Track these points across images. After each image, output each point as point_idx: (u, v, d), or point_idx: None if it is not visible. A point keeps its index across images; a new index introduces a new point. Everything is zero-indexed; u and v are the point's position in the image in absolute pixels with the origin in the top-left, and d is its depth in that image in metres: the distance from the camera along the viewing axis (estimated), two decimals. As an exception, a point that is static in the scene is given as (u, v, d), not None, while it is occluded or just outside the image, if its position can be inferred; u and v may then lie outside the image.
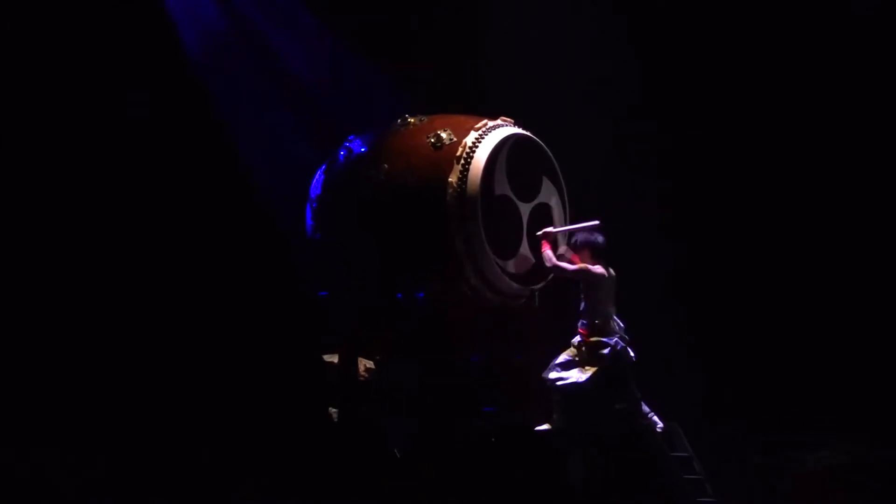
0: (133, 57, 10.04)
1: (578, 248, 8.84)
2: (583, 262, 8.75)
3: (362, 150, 9.42)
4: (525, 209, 9.21)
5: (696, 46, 10.38)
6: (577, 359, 8.70)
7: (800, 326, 10.26)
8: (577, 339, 8.79)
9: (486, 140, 8.97)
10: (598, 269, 8.67)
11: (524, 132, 9.24)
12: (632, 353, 8.67)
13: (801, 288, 10.28)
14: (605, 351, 8.59)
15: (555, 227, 8.99)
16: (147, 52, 10.10)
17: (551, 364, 8.73)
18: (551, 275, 9.07)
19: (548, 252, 8.74)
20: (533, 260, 9.13)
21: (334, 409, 9.28)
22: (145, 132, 10.13)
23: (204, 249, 10.26)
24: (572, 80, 10.47)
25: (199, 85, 10.39)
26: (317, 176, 9.71)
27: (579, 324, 8.77)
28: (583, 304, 8.74)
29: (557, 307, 9.16)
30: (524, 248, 9.17)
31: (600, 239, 8.79)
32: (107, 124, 10.05)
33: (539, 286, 9.27)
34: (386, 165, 9.13)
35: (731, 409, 10.08)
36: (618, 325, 8.75)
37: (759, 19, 10.34)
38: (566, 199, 9.45)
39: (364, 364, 9.36)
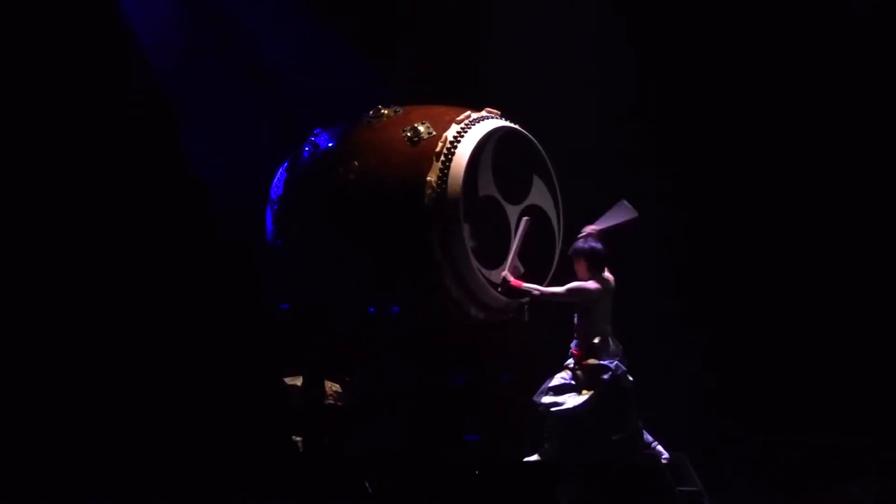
0: (62, 28, 9.51)
1: (575, 256, 8.41)
2: (579, 273, 8.36)
3: (330, 144, 8.96)
4: (513, 212, 8.75)
5: (698, 45, 10.22)
6: (572, 382, 8.30)
7: (810, 330, 10.12)
8: (571, 361, 8.40)
9: (469, 134, 8.48)
10: (592, 284, 8.24)
11: (512, 125, 8.76)
12: (630, 378, 8.30)
13: (813, 290, 10.13)
14: (605, 376, 8.22)
15: (596, 226, 8.52)
16: (79, 26, 9.54)
17: (543, 387, 8.31)
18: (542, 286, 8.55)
19: (526, 285, 8.40)
20: (522, 269, 8.67)
21: (298, 438, 8.88)
22: (74, 120, 9.53)
23: (147, 258, 9.70)
24: (571, 77, 10.30)
25: (137, 64, 9.81)
26: (278, 174, 9.23)
27: (573, 344, 8.37)
28: (577, 322, 8.35)
29: (550, 322, 8.77)
30: (512, 256, 8.67)
31: (599, 246, 8.36)
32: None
33: (528, 300, 8.75)
34: (356, 162, 8.66)
35: (746, 427, 9.90)
36: (615, 345, 8.36)
37: (760, 19, 10.16)
38: (560, 200, 8.96)
39: (331, 387, 8.98)
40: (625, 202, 8.44)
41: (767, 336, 10.14)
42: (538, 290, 8.34)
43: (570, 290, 8.23)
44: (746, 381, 10.01)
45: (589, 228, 8.45)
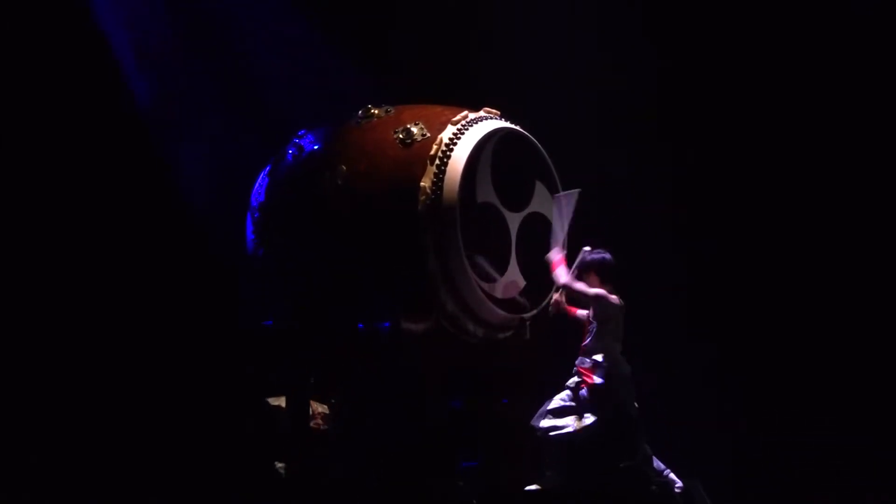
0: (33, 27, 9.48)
1: (582, 269, 8.20)
2: (589, 286, 8.18)
3: (315, 147, 8.83)
4: (514, 220, 8.61)
5: (701, 43, 10.27)
6: (572, 404, 8.09)
7: (833, 347, 10.05)
8: (573, 380, 8.16)
9: (466, 135, 8.34)
10: (614, 297, 8.09)
11: (513, 126, 8.61)
12: (636, 405, 8.14)
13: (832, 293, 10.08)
14: (611, 397, 8.03)
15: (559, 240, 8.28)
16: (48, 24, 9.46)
17: (542, 410, 8.14)
18: (546, 301, 8.46)
19: (562, 267, 8.17)
20: (523, 282, 8.53)
21: (281, 464, 8.75)
22: (40, 124, 9.47)
23: (116, 269, 9.58)
24: (575, 75, 10.26)
25: (109, 64, 9.70)
26: (259, 179, 9.09)
27: (579, 361, 8.12)
28: (589, 339, 8.11)
29: (553, 340, 8.64)
30: (513, 268, 8.56)
31: (608, 256, 8.19)
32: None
33: (531, 315, 8.61)
34: (344, 167, 8.52)
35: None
36: (625, 366, 8.16)
37: (764, 17, 10.22)
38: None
39: (317, 409, 8.84)
40: (560, 196, 8.33)
41: (787, 352, 10.11)
42: (567, 277, 8.15)
43: (596, 294, 8.04)
44: (763, 401, 9.98)
45: (557, 249, 8.28)
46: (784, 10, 10.07)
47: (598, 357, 8.05)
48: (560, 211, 8.31)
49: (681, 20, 10.22)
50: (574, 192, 8.25)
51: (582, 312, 8.18)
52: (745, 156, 10.29)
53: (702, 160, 10.24)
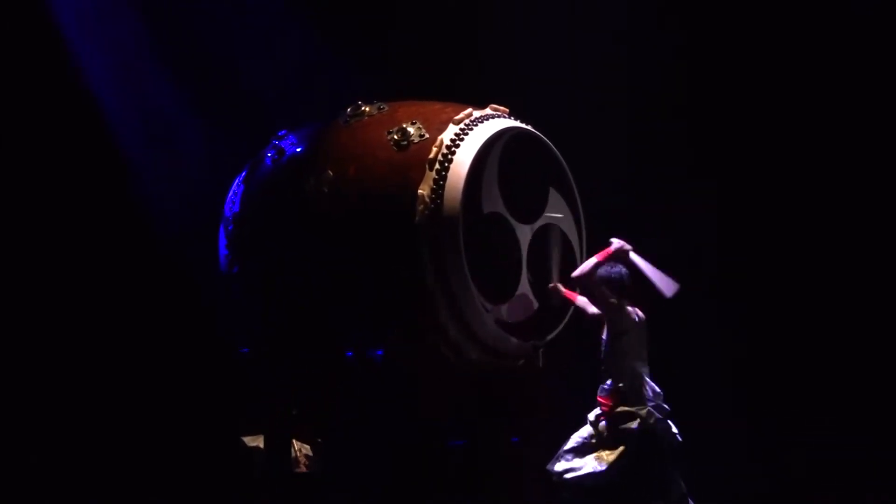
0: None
1: (596, 283, 8.02)
2: (601, 301, 7.99)
3: (297, 149, 8.60)
4: (525, 232, 8.33)
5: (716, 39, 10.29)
6: (593, 440, 7.80)
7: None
8: (595, 412, 7.86)
9: (470, 136, 8.05)
10: (628, 310, 7.87)
11: (524, 126, 8.33)
12: (675, 430, 7.80)
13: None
14: (634, 425, 7.70)
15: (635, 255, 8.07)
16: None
17: (559, 451, 7.84)
18: (562, 325, 8.30)
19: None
20: (536, 303, 8.24)
21: None
22: None
23: (69, 287, 9.33)
24: (584, 65, 10.20)
25: (61, 60, 9.40)
26: (234, 187, 8.86)
27: (599, 390, 7.85)
28: (605, 360, 7.88)
29: (570, 370, 8.55)
30: (524, 288, 8.27)
31: (622, 271, 7.92)
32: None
33: (546, 341, 8.31)
34: (330, 172, 8.24)
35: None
36: (653, 389, 7.86)
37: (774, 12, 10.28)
38: (582, 218, 8.52)
39: (300, 449, 8.60)
40: (675, 285, 8.17)
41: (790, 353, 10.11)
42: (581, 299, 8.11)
43: (609, 300, 7.89)
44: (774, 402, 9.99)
45: (628, 248, 8.09)
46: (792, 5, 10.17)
47: (617, 380, 7.79)
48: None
49: (694, 17, 10.27)
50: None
51: (583, 301, 8.10)
52: (752, 156, 10.28)
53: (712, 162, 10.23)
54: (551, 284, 8.25)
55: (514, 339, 8.13)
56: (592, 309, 8.03)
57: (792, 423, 9.94)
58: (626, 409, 7.75)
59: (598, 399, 7.83)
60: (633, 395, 7.80)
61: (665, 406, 7.84)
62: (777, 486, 9.58)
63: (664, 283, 8.06)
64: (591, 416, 7.85)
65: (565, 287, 8.22)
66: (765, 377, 10.14)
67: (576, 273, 8.01)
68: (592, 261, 7.97)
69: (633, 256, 8.12)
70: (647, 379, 7.83)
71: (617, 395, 7.77)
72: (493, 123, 8.18)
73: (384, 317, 8.13)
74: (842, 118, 10.14)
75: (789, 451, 9.81)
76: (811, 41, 10.12)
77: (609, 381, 7.82)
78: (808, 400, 10.00)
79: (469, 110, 8.20)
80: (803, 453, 9.77)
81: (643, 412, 7.72)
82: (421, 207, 7.88)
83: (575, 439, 7.84)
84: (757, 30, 10.19)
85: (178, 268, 9.57)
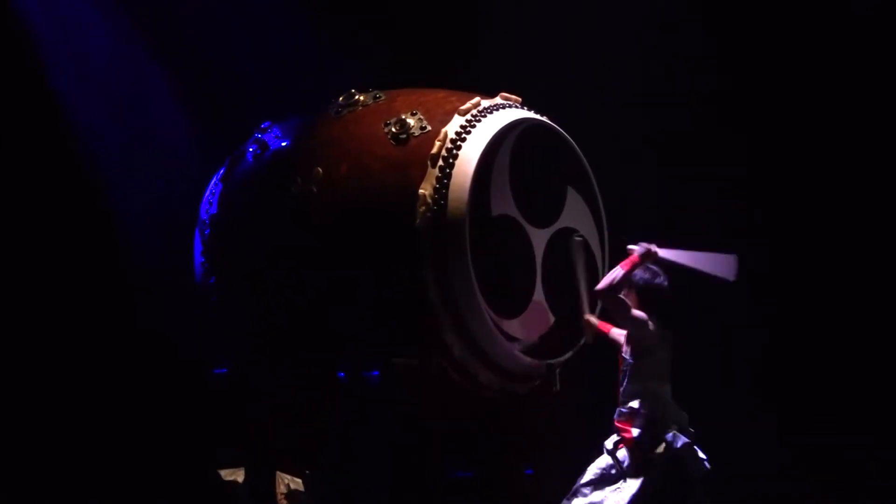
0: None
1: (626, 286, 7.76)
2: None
3: (283, 144, 8.34)
4: (540, 237, 8.06)
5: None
6: (613, 471, 7.42)
7: None
8: (612, 439, 7.51)
9: (478, 128, 7.76)
10: (652, 326, 7.49)
11: (539, 117, 8.04)
12: (702, 456, 7.42)
13: None
14: (658, 451, 7.36)
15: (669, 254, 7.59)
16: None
17: (576, 485, 7.46)
18: (583, 341, 7.95)
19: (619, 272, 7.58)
20: (552, 318, 8.00)
21: None
22: None
23: (26, 299, 8.94)
24: (601, 50, 9.92)
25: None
26: (211, 186, 8.60)
27: (617, 414, 7.50)
28: (624, 382, 7.51)
29: (592, 393, 8.16)
30: (539, 300, 8.01)
31: (662, 279, 7.56)
32: None
33: (561, 360, 8.00)
34: (320, 169, 7.97)
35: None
36: (677, 412, 7.53)
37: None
38: (604, 220, 8.25)
39: (286, 482, 8.22)
40: (733, 259, 7.74)
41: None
42: (612, 286, 7.57)
43: (635, 316, 7.50)
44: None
45: (655, 249, 7.69)
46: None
47: (635, 403, 7.43)
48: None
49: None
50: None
51: (617, 332, 7.77)
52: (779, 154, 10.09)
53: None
54: (585, 317, 7.88)
55: (527, 359, 7.84)
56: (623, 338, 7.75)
57: (816, 427, 9.67)
58: (644, 436, 7.39)
59: (616, 425, 7.46)
60: (656, 419, 7.40)
61: (690, 430, 7.44)
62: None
63: (720, 266, 7.72)
64: (609, 444, 7.47)
65: (593, 312, 7.88)
66: (789, 383, 9.91)
67: (600, 286, 7.60)
68: (618, 272, 7.53)
69: (666, 254, 7.69)
70: (671, 401, 7.45)
71: (638, 420, 7.38)
72: (503, 114, 7.88)
73: (380, 333, 7.86)
74: (865, 115, 9.92)
75: (814, 457, 9.54)
76: (829, 34, 9.93)
77: (628, 405, 7.44)
78: (834, 405, 9.75)
79: (476, 99, 7.89)
80: (831, 459, 9.52)
81: (668, 438, 7.34)
82: (422, 209, 7.60)
83: (593, 471, 7.45)
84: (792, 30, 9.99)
85: (147, 277, 9.28)
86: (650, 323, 7.49)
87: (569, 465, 7.74)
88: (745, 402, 9.86)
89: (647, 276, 7.60)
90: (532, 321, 7.96)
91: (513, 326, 7.84)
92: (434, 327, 7.61)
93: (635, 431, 7.33)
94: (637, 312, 7.55)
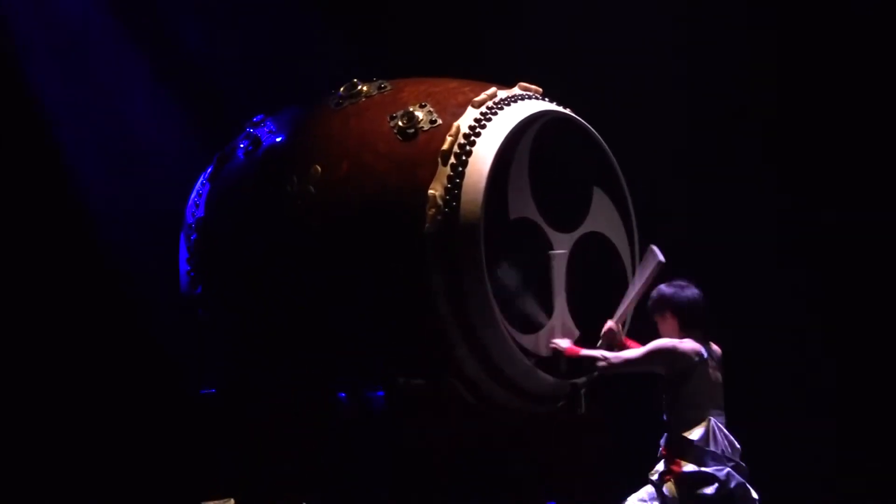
0: None
1: (657, 309, 7.28)
2: (664, 332, 7.19)
3: (277, 139, 7.93)
4: (563, 242, 7.59)
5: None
6: (656, 503, 7.20)
7: None
8: (659, 467, 7.15)
9: (494, 122, 7.34)
10: (687, 344, 7.07)
11: (562, 109, 7.63)
12: (755, 496, 7.05)
13: None
14: (709, 490, 6.96)
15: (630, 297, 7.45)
16: None
17: None
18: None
19: (586, 351, 7.41)
20: (577, 332, 7.52)
21: None
22: None
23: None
24: (647, 38, 9.56)
25: None
26: (197, 186, 8.20)
27: (663, 441, 7.18)
28: (667, 407, 7.20)
29: (625, 415, 7.87)
30: (561, 312, 7.50)
31: (695, 294, 7.19)
32: None
33: (588, 379, 7.54)
34: (318, 167, 7.53)
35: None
36: (731, 443, 7.11)
37: None
38: (634, 225, 7.84)
39: None
40: (653, 248, 7.50)
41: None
42: (605, 357, 7.30)
43: (651, 353, 7.11)
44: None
45: (616, 319, 7.49)
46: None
47: (689, 434, 7.01)
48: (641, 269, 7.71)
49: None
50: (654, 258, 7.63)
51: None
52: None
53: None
54: (606, 326, 7.50)
55: (549, 378, 7.32)
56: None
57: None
58: (695, 468, 7.00)
59: (662, 453, 7.11)
60: (706, 451, 7.02)
61: (743, 465, 7.01)
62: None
63: (650, 265, 7.45)
64: (654, 476, 7.09)
65: (622, 328, 7.52)
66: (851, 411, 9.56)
67: (618, 318, 7.39)
68: (632, 296, 7.36)
69: (621, 312, 7.51)
70: (724, 430, 7.06)
71: (685, 450, 7.00)
72: (522, 106, 7.41)
73: (385, 349, 7.39)
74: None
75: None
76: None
77: (680, 433, 7.07)
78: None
79: (493, 90, 7.43)
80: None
81: (721, 474, 6.95)
82: (432, 212, 7.12)
83: (632, 502, 7.13)
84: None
85: (128, 286, 9.00)
86: (686, 342, 7.09)
87: (599, 497, 7.45)
88: (800, 430, 9.48)
89: (681, 293, 7.21)
90: (554, 336, 7.42)
91: (533, 342, 7.36)
92: (445, 343, 7.17)
93: (687, 467, 6.98)
94: (658, 345, 7.13)
